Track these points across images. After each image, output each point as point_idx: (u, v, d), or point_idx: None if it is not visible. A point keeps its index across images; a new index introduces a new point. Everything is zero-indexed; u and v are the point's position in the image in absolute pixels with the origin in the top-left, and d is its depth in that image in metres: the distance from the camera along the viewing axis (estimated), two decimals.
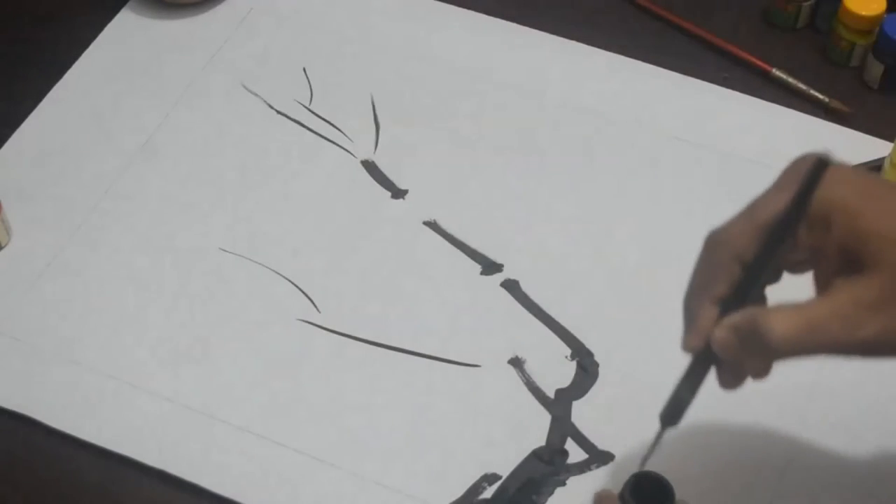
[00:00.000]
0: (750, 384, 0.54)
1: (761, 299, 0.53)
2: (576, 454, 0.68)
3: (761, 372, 0.52)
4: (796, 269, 0.53)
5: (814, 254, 0.51)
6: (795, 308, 0.49)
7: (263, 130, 0.83)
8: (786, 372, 0.53)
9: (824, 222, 0.50)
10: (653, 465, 0.57)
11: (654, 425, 0.56)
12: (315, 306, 0.74)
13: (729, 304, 0.52)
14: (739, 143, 0.82)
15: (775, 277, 0.53)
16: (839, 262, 0.50)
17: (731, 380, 0.52)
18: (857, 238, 0.49)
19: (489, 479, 0.67)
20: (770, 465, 0.67)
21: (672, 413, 0.54)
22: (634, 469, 0.58)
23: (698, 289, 0.53)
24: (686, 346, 0.53)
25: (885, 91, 0.84)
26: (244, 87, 0.86)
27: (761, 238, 0.51)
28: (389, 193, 0.80)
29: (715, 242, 0.52)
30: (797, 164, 0.52)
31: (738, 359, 0.51)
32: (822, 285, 0.51)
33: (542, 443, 0.68)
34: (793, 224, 0.50)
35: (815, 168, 0.49)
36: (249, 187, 0.80)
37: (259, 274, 0.76)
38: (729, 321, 0.51)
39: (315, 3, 0.90)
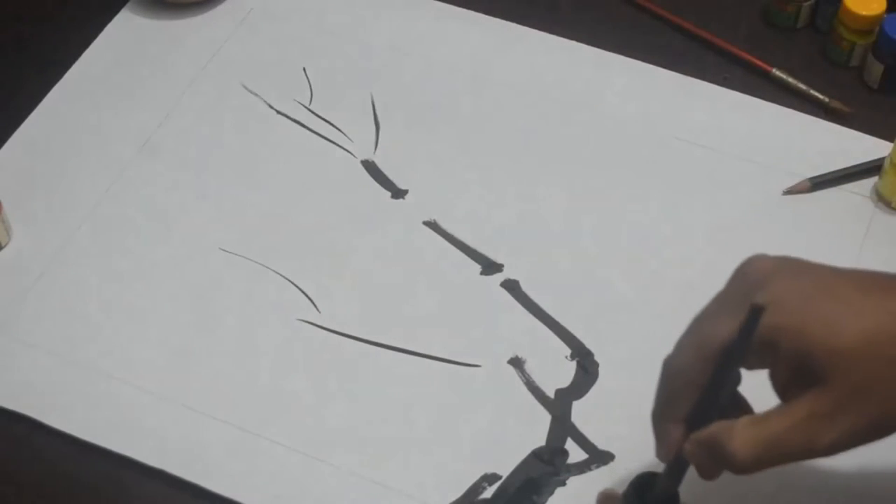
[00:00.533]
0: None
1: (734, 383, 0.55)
2: (576, 454, 0.68)
3: None
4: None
5: (767, 368, 0.54)
6: (755, 424, 0.52)
7: (263, 130, 0.83)
8: None
9: (771, 346, 0.51)
10: (655, 466, 0.57)
11: None
12: (315, 306, 0.74)
13: (694, 420, 0.54)
14: (739, 143, 0.81)
15: (737, 382, 0.55)
16: (792, 374, 0.52)
17: (710, 473, 0.55)
18: (805, 356, 0.51)
19: (489, 479, 0.67)
20: None
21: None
22: (634, 469, 0.58)
23: (664, 410, 0.56)
24: (660, 458, 0.56)
25: (885, 91, 0.84)
26: (244, 87, 0.86)
27: (712, 366, 0.53)
28: (389, 193, 0.80)
29: (670, 372, 0.56)
30: (742, 270, 0.54)
31: (710, 465, 0.54)
32: (779, 390, 0.53)
33: (542, 443, 0.68)
34: (739, 356, 0.52)
35: (752, 314, 0.51)
36: (249, 187, 0.80)
37: (259, 274, 0.76)
38: (696, 438, 0.53)
39: (315, 3, 0.90)
